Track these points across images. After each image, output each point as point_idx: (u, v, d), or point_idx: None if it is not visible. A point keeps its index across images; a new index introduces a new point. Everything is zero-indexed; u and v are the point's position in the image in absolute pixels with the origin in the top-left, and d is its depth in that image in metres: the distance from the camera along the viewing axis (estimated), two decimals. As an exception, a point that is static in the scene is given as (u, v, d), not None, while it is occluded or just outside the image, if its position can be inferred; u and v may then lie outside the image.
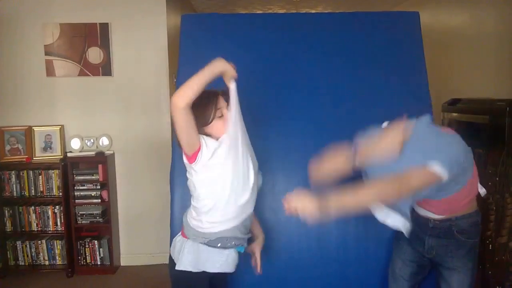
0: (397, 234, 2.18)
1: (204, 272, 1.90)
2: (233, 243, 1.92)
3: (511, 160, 3.09)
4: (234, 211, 1.88)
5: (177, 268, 1.90)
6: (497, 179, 3.11)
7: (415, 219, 2.07)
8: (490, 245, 3.13)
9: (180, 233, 2.04)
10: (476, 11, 4.02)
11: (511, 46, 3.47)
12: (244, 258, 2.07)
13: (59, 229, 3.91)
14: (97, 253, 3.96)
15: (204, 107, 1.86)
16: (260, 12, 6.55)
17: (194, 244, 1.91)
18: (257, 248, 2.11)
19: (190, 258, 1.90)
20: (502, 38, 3.58)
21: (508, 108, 3.03)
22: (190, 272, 1.89)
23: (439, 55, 4.47)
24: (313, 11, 6.62)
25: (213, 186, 1.87)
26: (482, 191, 2.08)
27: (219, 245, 1.89)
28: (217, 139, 1.87)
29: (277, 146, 2.51)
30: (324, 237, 2.43)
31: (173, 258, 1.98)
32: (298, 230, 2.42)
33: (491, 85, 3.72)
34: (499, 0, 3.66)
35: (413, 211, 2.09)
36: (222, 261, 1.92)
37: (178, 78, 2.65)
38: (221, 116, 1.89)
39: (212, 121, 1.88)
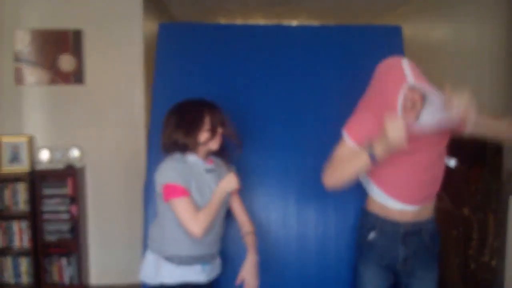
0: (361, 259, 2.12)
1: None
2: (193, 260, 1.96)
3: (492, 178, 3.05)
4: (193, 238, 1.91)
5: (140, 278, 1.99)
6: (479, 197, 3.07)
7: (384, 231, 2.01)
8: (472, 264, 3.08)
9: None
10: (458, 25, 4.03)
11: (492, 61, 3.46)
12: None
13: (25, 245, 3.72)
14: (66, 271, 3.78)
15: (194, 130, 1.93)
16: (241, 21, 6.50)
17: (155, 256, 1.96)
18: (245, 272, 2.01)
19: (150, 270, 1.96)
20: (483, 52, 3.57)
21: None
22: (161, 285, 1.93)
23: (420, 68, 4.45)
24: (295, 21, 6.58)
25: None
26: (452, 162, 2.03)
27: (177, 261, 1.93)
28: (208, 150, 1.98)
29: (256, 159, 2.48)
30: (304, 240, 2.42)
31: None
32: (277, 233, 2.42)
33: (474, 99, 3.69)
34: (480, 14, 3.66)
35: (382, 221, 2.02)
36: (182, 274, 1.94)
37: (154, 89, 2.59)
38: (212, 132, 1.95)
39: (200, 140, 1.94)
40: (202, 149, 1.96)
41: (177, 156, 1.93)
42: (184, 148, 1.92)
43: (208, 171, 1.98)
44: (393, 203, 2.00)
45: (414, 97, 1.84)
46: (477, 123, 1.77)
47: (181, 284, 1.94)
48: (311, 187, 2.40)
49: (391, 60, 1.95)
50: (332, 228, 2.42)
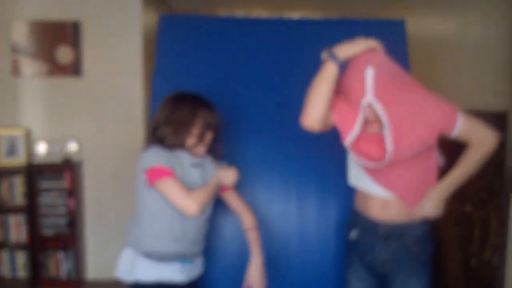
0: (346, 257, 2.06)
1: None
2: (173, 257, 1.87)
3: (495, 175, 3.02)
4: (172, 232, 1.85)
5: (116, 273, 1.93)
6: (481, 194, 3.04)
7: (365, 229, 1.94)
8: (473, 261, 3.06)
9: None
10: (463, 18, 3.99)
11: (497, 54, 3.42)
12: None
13: (22, 239, 3.68)
14: (63, 265, 3.75)
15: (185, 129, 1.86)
16: (242, 13, 6.44)
17: (133, 252, 1.89)
18: (251, 276, 1.94)
19: (126, 266, 1.89)
20: (489, 46, 3.53)
21: (493, 121, 2.95)
22: (147, 286, 1.85)
23: (425, 63, 4.41)
24: (297, 13, 6.53)
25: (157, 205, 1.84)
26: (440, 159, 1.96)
27: (156, 258, 1.86)
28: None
29: (257, 151, 2.45)
30: (306, 236, 2.39)
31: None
32: (278, 228, 2.39)
33: (477, 94, 3.66)
34: (486, 9, 3.61)
35: (363, 219, 1.96)
36: (159, 272, 1.87)
37: (153, 82, 2.57)
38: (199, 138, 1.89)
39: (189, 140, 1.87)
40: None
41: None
42: (170, 146, 1.85)
43: (194, 165, 1.90)
44: (377, 190, 1.90)
45: (375, 114, 1.75)
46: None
47: (158, 283, 1.85)
48: (312, 180, 2.39)
49: (356, 67, 1.75)
50: (332, 222, 2.40)
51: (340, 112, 1.83)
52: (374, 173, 1.90)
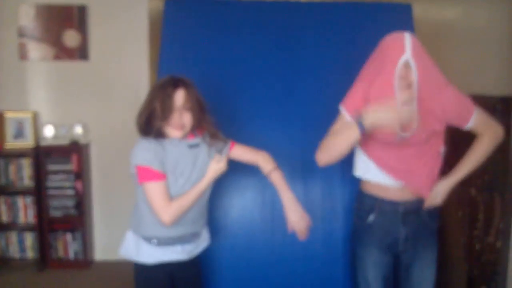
0: (360, 242, 2.05)
1: (163, 268, 1.90)
2: (173, 241, 1.90)
3: (500, 159, 3.03)
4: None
5: (120, 253, 1.95)
6: (486, 177, 3.05)
7: (384, 211, 1.97)
8: (477, 245, 3.08)
9: None
10: (469, 3, 3.96)
11: (502, 39, 3.41)
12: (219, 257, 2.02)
13: (30, 221, 3.73)
14: (71, 246, 3.80)
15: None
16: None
17: (135, 235, 1.92)
18: (290, 215, 1.90)
19: (131, 248, 1.91)
20: (494, 31, 3.52)
21: (498, 106, 2.95)
22: (150, 267, 1.88)
23: (430, 49, 4.39)
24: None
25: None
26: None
27: (156, 242, 1.88)
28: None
29: (261, 134, 2.45)
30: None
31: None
32: (282, 215, 2.38)
33: (483, 80, 3.66)
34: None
35: (381, 201, 1.98)
36: (161, 254, 1.90)
37: (160, 66, 2.58)
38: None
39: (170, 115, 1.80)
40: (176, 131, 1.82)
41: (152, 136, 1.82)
42: (155, 136, 1.81)
43: (191, 146, 1.87)
44: (394, 182, 1.95)
45: (408, 77, 1.78)
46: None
47: (161, 264, 1.89)
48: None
49: (395, 33, 1.86)
50: (338, 206, 2.42)
51: (376, 91, 1.85)
52: (383, 162, 1.94)
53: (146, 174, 1.77)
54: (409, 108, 1.76)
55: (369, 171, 2.00)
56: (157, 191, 1.77)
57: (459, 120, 1.91)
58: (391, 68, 1.78)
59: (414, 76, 1.77)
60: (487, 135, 1.95)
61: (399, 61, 1.76)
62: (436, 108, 1.85)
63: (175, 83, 1.79)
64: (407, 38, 1.78)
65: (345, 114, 1.92)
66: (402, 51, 1.76)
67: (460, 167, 1.97)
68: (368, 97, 1.86)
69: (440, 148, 1.99)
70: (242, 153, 1.98)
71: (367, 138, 1.88)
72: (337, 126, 1.93)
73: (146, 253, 1.88)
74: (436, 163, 1.99)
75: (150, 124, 1.79)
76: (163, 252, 1.89)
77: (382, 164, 1.95)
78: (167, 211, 1.76)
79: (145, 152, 1.78)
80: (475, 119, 1.92)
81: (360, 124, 1.71)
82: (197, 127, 1.88)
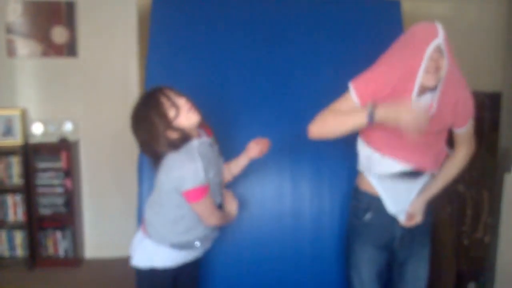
0: (357, 240, 2.05)
1: (172, 271, 1.88)
2: (200, 241, 1.91)
3: (488, 155, 3.05)
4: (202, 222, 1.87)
5: (132, 263, 1.89)
6: (474, 173, 3.07)
7: (381, 209, 1.97)
8: (465, 240, 3.10)
9: (141, 227, 1.97)
10: (459, 0, 3.97)
11: (493, 37, 3.42)
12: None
13: (19, 219, 3.71)
14: (60, 244, 3.78)
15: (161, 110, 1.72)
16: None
17: (154, 244, 1.86)
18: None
19: (145, 256, 1.87)
20: (484, 27, 3.53)
21: (486, 102, 2.97)
22: (159, 271, 1.86)
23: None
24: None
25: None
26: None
27: (184, 247, 1.88)
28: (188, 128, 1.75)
29: (249, 129, 2.44)
30: (300, 216, 2.42)
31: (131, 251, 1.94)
32: (271, 208, 2.42)
33: (473, 76, 3.65)
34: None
35: (378, 200, 1.98)
36: (179, 257, 1.89)
37: (148, 63, 2.56)
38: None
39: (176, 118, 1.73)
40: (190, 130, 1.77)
41: (184, 150, 1.72)
42: (184, 138, 1.74)
43: (211, 145, 1.86)
44: (400, 167, 1.91)
45: (439, 61, 1.74)
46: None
47: (174, 268, 1.89)
48: (307, 159, 2.41)
49: (425, 22, 1.80)
50: (326, 202, 2.42)
51: (376, 90, 1.81)
52: (386, 147, 1.90)
53: (198, 194, 1.74)
54: (425, 111, 1.67)
55: (373, 165, 1.97)
56: (208, 203, 1.79)
57: (460, 121, 1.91)
58: (422, 48, 1.71)
59: (445, 61, 1.74)
60: (465, 149, 1.99)
61: (432, 43, 1.71)
62: (453, 103, 1.85)
63: (157, 90, 1.75)
64: (440, 26, 1.74)
65: (353, 94, 1.83)
66: (435, 35, 1.71)
67: (435, 183, 2.00)
68: (388, 81, 1.79)
69: (444, 143, 2.00)
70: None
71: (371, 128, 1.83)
72: (341, 105, 1.84)
73: (168, 258, 1.86)
74: (442, 155, 2.01)
75: (169, 136, 1.71)
76: (187, 252, 1.89)
77: (385, 148, 1.91)
78: (217, 216, 1.84)
79: (190, 172, 1.69)
80: (467, 127, 1.94)
81: (370, 115, 1.67)
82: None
